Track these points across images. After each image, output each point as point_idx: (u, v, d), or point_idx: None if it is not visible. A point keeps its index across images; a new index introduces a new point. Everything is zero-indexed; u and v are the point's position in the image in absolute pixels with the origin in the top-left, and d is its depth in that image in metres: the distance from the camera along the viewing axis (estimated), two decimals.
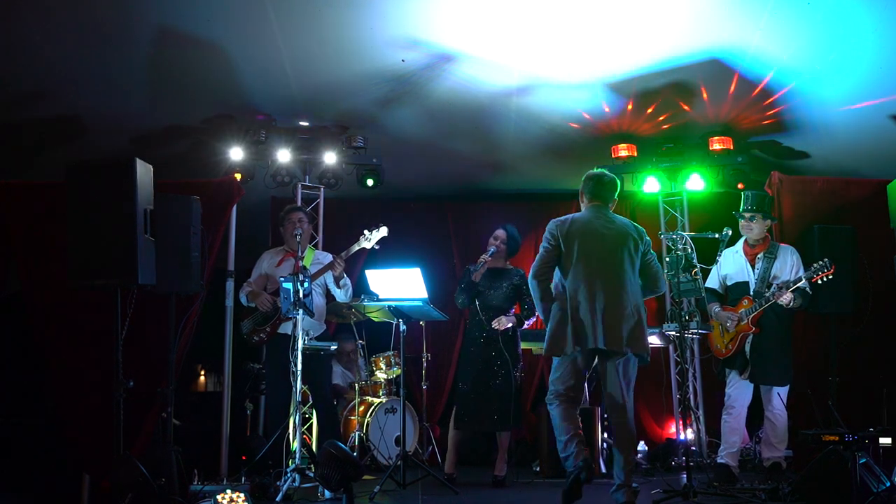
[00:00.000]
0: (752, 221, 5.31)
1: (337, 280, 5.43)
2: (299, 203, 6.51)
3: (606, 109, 6.02)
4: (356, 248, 5.41)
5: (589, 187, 4.47)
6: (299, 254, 5.26)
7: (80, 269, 4.33)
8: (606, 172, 4.52)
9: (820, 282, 5.00)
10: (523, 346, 6.15)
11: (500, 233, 5.58)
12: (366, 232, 5.41)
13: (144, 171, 4.38)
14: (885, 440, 4.43)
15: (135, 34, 4.95)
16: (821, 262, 4.95)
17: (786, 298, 5.03)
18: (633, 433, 4.29)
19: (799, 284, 5.02)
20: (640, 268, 4.39)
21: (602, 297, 4.21)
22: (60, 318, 5.28)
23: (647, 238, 4.45)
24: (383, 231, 5.38)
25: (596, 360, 4.38)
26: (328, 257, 5.56)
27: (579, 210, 4.54)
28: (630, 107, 5.97)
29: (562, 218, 4.44)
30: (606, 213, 4.44)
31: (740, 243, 5.44)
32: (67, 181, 4.41)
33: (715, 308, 5.36)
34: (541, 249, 4.37)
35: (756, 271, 5.30)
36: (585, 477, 4.05)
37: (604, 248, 4.30)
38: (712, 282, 5.47)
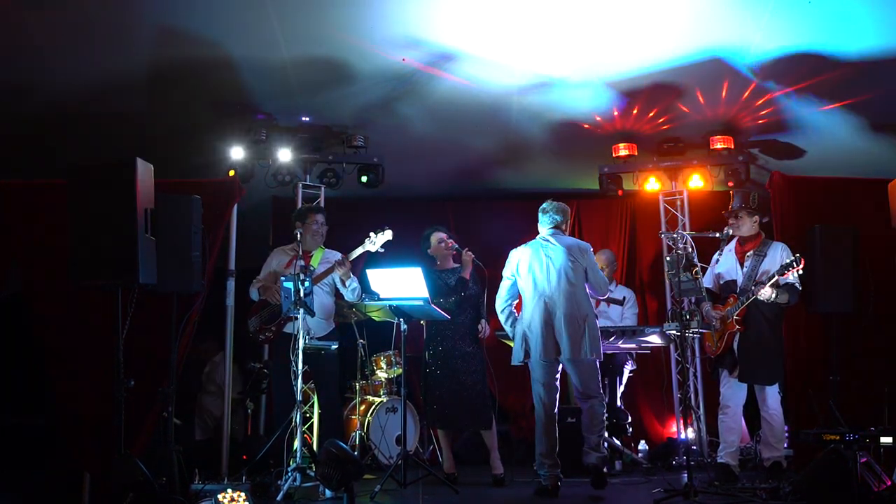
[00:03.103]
0: (737, 219, 5.36)
1: (343, 280, 5.42)
2: (300, 203, 6.50)
3: (607, 108, 6.02)
4: (360, 250, 5.39)
5: (545, 218, 5.22)
6: (299, 253, 5.26)
7: (81, 269, 4.32)
8: (551, 202, 5.25)
9: (793, 277, 5.00)
10: None
11: (443, 234, 5.68)
12: (371, 235, 5.37)
13: (145, 171, 4.38)
14: (886, 439, 4.42)
15: (135, 34, 4.95)
16: (790, 259, 4.96)
17: (764, 294, 5.03)
18: (600, 415, 5.04)
19: (777, 280, 5.02)
20: (587, 279, 5.11)
21: (556, 313, 4.97)
22: (61, 317, 5.28)
23: (590, 254, 5.16)
24: (388, 234, 5.36)
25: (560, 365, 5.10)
26: (336, 255, 5.55)
27: (544, 210, 5.23)
28: (631, 105, 5.97)
29: (517, 248, 5.21)
30: (553, 237, 5.15)
31: (734, 241, 5.46)
32: (68, 181, 4.41)
33: (706, 307, 5.38)
34: (502, 286, 5.22)
35: (745, 269, 5.31)
36: (552, 493, 4.91)
37: (550, 270, 5.03)
38: (707, 280, 5.50)
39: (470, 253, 5.58)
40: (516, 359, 5.12)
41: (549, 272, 5.03)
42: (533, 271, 5.07)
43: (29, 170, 6.38)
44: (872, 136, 6.18)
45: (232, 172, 6.14)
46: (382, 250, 5.37)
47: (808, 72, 5.43)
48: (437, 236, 5.69)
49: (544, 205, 5.27)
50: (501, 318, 5.23)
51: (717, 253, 5.59)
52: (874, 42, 5.01)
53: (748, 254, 5.34)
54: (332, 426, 5.54)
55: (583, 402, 5.08)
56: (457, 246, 5.62)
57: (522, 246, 5.20)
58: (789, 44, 5.13)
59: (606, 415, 5.18)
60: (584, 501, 4.90)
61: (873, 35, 4.93)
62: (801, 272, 4.95)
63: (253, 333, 5.55)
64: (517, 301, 5.26)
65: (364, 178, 6.52)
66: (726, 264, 5.45)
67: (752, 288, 5.13)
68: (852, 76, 5.39)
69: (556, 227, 5.19)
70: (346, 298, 5.62)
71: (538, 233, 5.24)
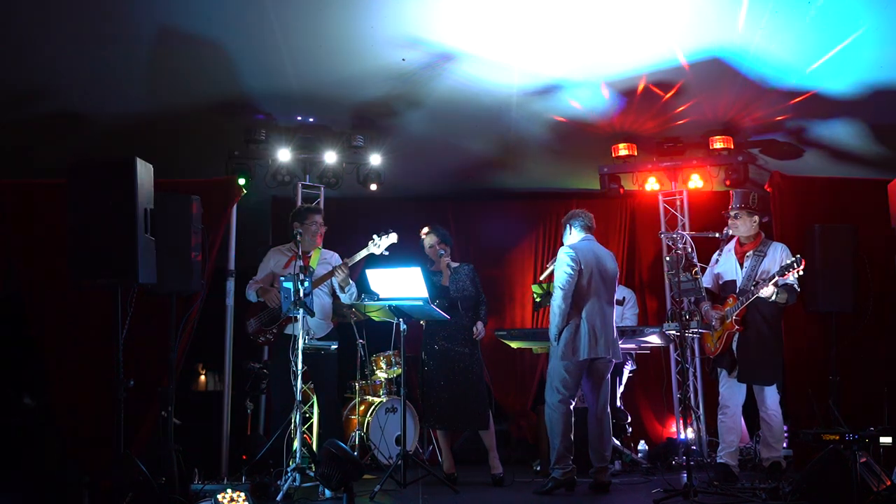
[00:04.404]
0: (736, 219, 5.37)
1: (342, 287, 5.41)
2: (300, 202, 6.50)
3: (607, 108, 6.01)
4: (364, 253, 5.37)
5: (580, 222, 5.28)
6: (298, 253, 5.26)
7: (81, 269, 4.31)
8: (580, 209, 5.37)
9: (792, 277, 5.00)
10: (524, 345, 6.18)
11: (435, 240, 5.64)
12: (374, 237, 5.35)
13: (144, 171, 4.37)
14: (886, 439, 4.43)
15: (135, 33, 4.95)
16: (790, 260, 4.96)
17: (767, 291, 5.03)
18: (609, 429, 5.19)
19: (777, 279, 5.01)
20: None
21: (604, 314, 5.07)
22: (60, 317, 5.28)
23: None
24: (393, 237, 5.34)
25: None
26: (334, 256, 5.53)
27: (578, 215, 5.31)
28: (631, 105, 5.97)
29: (573, 247, 5.16)
30: (596, 243, 5.26)
31: (734, 241, 5.47)
32: (68, 181, 4.40)
33: (704, 307, 5.39)
34: (567, 276, 5.04)
35: (744, 269, 5.32)
36: (569, 489, 5.03)
37: (604, 273, 5.14)
38: (706, 280, 5.51)
39: (446, 259, 5.57)
40: (584, 354, 4.97)
41: (607, 274, 5.15)
42: (598, 271, 5.10)
43: (29, 169, 6.40)
44: (872, 136, 6.19)
45: (243, 182, 6.09)
46: (387, 253, 5.37)
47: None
48: (426, 241, 5.69)
49: (575, 211, 5.35)
50: (566, 311, 5.02)
51: (717, 253, 5.60)
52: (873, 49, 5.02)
53: (748, 254, 5.34)
54: (331, 426, 5.54)
55: (599, 406, 5.13)
56: (441, 252, 5.60)
57: (581, 245, 5.18)
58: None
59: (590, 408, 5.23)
60: (584, 501, 4.90)
61: (873, 34, 4.93)
62: (801, 273, 4.96)
63: (253, 335, 5.55)
64: None
65: (373, 186, 6.51)
66: (726, 264, 5.47)
67: (752, 288, 5.14)
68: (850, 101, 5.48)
69: (589, 232, 5.27)
70: (342, 300, 5.62)
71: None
